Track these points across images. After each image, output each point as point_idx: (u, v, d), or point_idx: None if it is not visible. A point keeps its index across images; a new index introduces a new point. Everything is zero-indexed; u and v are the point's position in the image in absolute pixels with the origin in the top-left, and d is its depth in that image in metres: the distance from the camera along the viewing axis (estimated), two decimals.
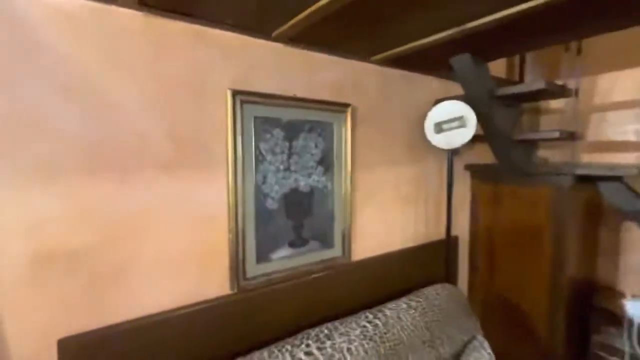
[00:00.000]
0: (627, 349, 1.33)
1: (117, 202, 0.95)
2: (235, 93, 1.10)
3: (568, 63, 1.49)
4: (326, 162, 1.35)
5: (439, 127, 1.54)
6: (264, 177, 1.19)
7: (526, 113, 2.12)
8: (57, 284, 0.88)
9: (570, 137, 1.43)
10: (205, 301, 1.10)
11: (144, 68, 0.96)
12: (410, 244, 1.73)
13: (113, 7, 0.89)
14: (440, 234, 1.81)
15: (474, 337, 1.34)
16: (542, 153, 2.08)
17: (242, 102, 1.12)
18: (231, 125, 1.10)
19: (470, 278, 2.02)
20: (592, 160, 1.93)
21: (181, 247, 1.06)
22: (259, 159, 1.17)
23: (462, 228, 2.00)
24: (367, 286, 1.50)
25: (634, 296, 1.32)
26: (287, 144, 1.24)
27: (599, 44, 1.83)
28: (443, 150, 1.57)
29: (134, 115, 0.96)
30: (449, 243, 1.70)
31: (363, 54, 1.39)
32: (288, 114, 1.23)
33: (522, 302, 1.77)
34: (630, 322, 1.29)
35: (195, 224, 1.08)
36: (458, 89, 1.62)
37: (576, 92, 1.41)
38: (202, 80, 1.06)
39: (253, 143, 1.16)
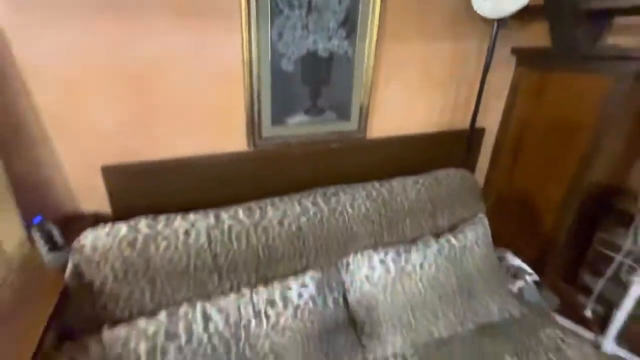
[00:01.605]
0: (627, 245, 1.35)
1: (138, 46, 0.96)
2: None
3: None
4: (349, 25, 1.23)
5: None
6: (280, 34, 1.12)
7: None
8: (94, 118, 0.98)
9: None
10: (224, 154, 1.20)
11: None
12: (433, 129, 1.68)
13: None
14: (467, 123, 1.72)
15: (475, 215, 1.41)
16: (618, 40, 1.73)
17: None
18: None
19: (490, 171, 1.99)
20: None
21: (200, 100, 1.10)
22: (275, 11, 1.09)
23: (493, 120, 1.88)
24: (380, 164, 1.53)
25: None
26: None
27: None
28: (488, 23, 1.35)
29: None
30: (472, 132, 1.63)
31: None
32: None
33: (538, 198, 1.77)
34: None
35: (212, 78, 1.09)
36: None
37: None
38: None
39: None
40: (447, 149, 1.74)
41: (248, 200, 1.18)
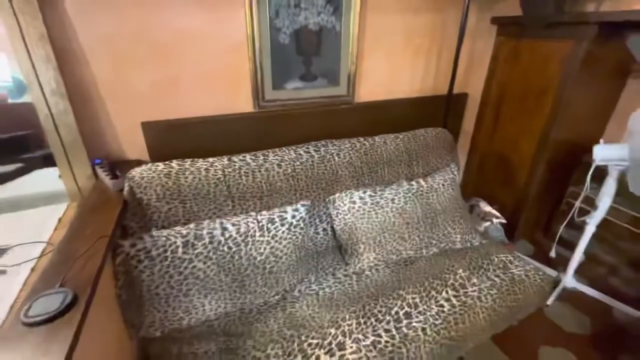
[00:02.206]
0: (584, 191, 1.56)
1: (158, 27, 1.24)
2: None
3: None
4: (335, 1, 1.46)
5: None
6: (277, 12, 1.37)
7: None
8: (134, 82, 1.28)
9: None
10: (234, 114, 1.48)
11: None
12: (416, 94, 1.90)
13: None
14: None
15: (447, 165, 1.65)
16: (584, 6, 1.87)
17: None
18: None
19: (475, 133, 2.20)
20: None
21: (214, 69, 1.38)
22: None
23: (476, 85, 2.07)
24: (367, 125, 1.78)
25: (606, 142, 1.45)
26: None
27: None
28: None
29: None
30: (450, 96, 1.84)
31: None
32: None
33: (513, 154, 1.98)
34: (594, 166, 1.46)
35: (221, 51, 1.36)
36: None
37: None
38: None
39: None
40: (430, 112, 1.95)
41: (255, 149, 1.48)
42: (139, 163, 1.30)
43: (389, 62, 1.74)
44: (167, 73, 1.32)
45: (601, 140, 1.47)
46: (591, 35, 1.49)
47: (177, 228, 1.12)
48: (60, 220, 1.11)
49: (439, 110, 1.92)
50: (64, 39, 1.14)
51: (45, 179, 1.35)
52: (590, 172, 1.49)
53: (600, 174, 1.52)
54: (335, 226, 1.41)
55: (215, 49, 1.35)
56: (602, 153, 1.44)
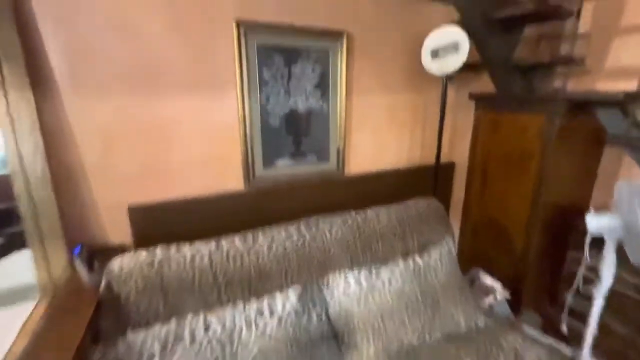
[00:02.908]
0: (583, 261, 1.52)
1: (152, 112, 1.28)
2: (239, 23, 1.31)
3: None
4: (322, 87, 1.55)
5: (434, 53, 1.63)
6: (267, 98, 1.45)
7: (546, 37, 2.04)
8: (119, 169, 1.28)
9: (566, 61, 1.45)
10: (224, 193, 1.47)
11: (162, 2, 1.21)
12: (404, 165, 1.95)
13: None
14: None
15: (442, 238, 1.61)
16: (547, 82, 2.03)
17: (246, 31, 1.34)
18: (237, 52, 1.34)
19: (466, 199, 2.21)
20: (594, 88, 1.88)
21: (205, 151, 1.40)
22: (263, 82, 1.42)
23: (461, 155, 2.14)
24: (357, 197, 1.78)
25: (597, 210, 1.45)
26: (286, 69, 1.45)
27: None
28: (441, 77, 1.67)
29: (158, 43, 1.23)
30: (438, 166, 1.89)
31: None
32: (287, 42, 1.43)
33: (506, 219, 1.97)
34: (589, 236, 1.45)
35: (213, 134, 1.40)
36: None
37: (578, 13, 1.38)
38: (211, 10, 1.28)
39: (257, 68, 1.40)
40: (419, 182, 1.99)
41: (244, 230, 1.44)
42: (122, 249, 1.23)
43: (376, 136, 1.81)
44: (157, 156, 1.33)
45: (591, 209, 1.47)
46: (562, 109, 1.60)
47: (157, 327, 1.01)
48: (24, 324, 1.00)
49: (427, 180, 1.95)
50: (55, 127, 1.15)
51: (18, 266, 1.27)
52: (587, 242, 1.47)
53: (600, 239, 1.49)
54: (330, 311, 1.31)
55: (207, 132, 1.39)
56: (595, 224, 1.43)
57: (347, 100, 1.62)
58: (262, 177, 1.53)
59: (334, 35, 1.51)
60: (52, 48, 1.10)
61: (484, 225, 2.12)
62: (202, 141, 1.39)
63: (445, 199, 2.08)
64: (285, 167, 1.57)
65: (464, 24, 1.53)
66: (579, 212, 1.98)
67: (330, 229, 1.43)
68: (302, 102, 1.53)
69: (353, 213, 1.55)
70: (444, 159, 1.97)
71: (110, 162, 1.26)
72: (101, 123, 1.22)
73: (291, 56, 1.45)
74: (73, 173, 1.21)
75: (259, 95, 1.42)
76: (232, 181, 1.49)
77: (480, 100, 2.02)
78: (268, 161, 1.53)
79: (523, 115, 1.77)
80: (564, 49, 2.06)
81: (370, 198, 1.79)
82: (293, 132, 1.54)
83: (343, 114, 1.62)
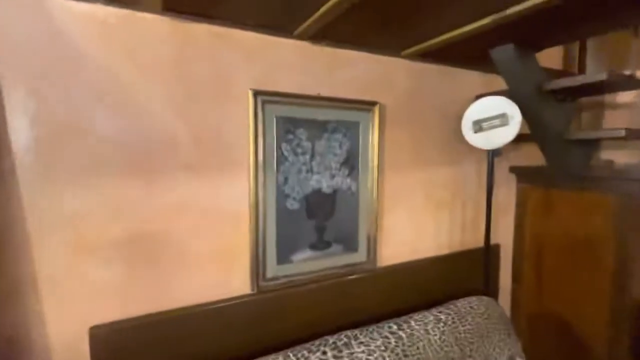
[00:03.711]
0: None
1: (146, 202, 0.99)
2: (257, 93, 1.10)
3: (638, 50, 1.27)
4: (351, 163, 1.30)
5: (478, 126, 1.41)
6: (286, 178, 1.17)
7: (587, 109, 1.87)
8: (88, 278, 0.94)
9: None
10: (225, 300, 1.11)
11: (169, 71, 0.99)
12: (445, 251, 1.61)
13: (139, 13, 0.93)
14: (479, 241, 1.66)
15: (511, 358, 1.21)
16: (606, 155, 1.82)
17: (264, 103, 1.11)
18: (252, 126, 1.10)
19: (514, 291, 1.83)
20: None
21: (204, 246, 1.08)
22: (281, 159, 1.16)
23: (505, 236, 1.83)
24: (394, 294, 1.42)
25: None
26: (309, 144, 1.21)
27: None
28: (483, 151, 1.43)
29: (161, 117, 0.99)
30: (488, 251, 1.55)
31: (392, 49, 1.31)
32: (311, 114, 1.20)
33: (577, 322, 1.57)
34: None
35: (218, 223, 1.09)
36: (503, 84, 1.47)
37: None
38: (225, 81, 1.07)
39: (275, 143, 1.14)
40: (465, 269, 1.63)
41: (251, 351, 1.05)
42: None
43: (412, 218, 1.50)
44: (143, 258, 1.00)
45: None
46: (635, 190, 1.32)
47: None
48: None
49: (473, 267, 1.61)
50: (2, 225, 0.85)
51: None
52: None
53: None
54: None
55: (209, 223, 1.09)
56: None
57: (379, 177, 1.35)
58: (275, 276, 1.18)
59: (365, 106, 1.30)
60: (18, 124, 0.85)
61: (543, 326, 1.71)
62: (201, 234, 1.07)
63: (492, 289, 1.70)
64: (304, 263, 1.23)
65: (513, 93, 1.33)
66: None
67: (368, 356, 1.04)
68: (327, 180, 1.25)
69: (394, 326, 1.17)
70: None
71: (74, 269, 0.92)
72: (73, 217, 0.92)
73: (316, 129, 1.22)
74: (15, 287, 0.87)
75: (275, 174, 1.15)
76: (236, 284, 1.14)
77: (524, 175, 1.77)
78: (283, 255, 1.19)
79: (585, 194, 1.49)
80: (610, 119, 1.88)
81: (406, 293, 1.45)
82: (315, 216, 1.24)
83: (374, 193, 1.34)
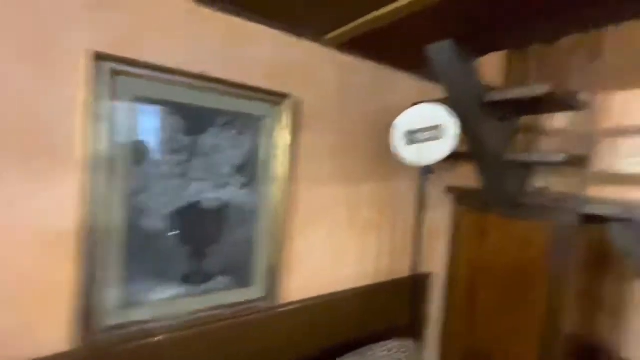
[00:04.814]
0: None
1: None
2: (100, 57, 0.75)
3: (581, 71, 1.17)
4: (249, 170, 0.99)
5: (410, 137, 1.20)
6: (145, 184, 0.83)
7: (523, 132, 1.78)
8: None
9: (580, 163, 1.10)
10: None
11: None
12: (368, 281, 1.37)
13: None
14: (409, 269, 1.45)
15: None
16: (540, 181, 1.74)
17: (115, 73, 0.77)
18: (89, 104, 0.74)
19: (446, 325, 1.65)
20: (599, 195, 1.58)
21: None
22: (138, 157, 0.82)
23: (438, 262, 1.65)
24: (303, 337, 1.14)
25: None
26: (188, 139, 0.88)
27: (618, 49, 1.51)
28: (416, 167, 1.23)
29: None
30: (416, 283, 1.35)
31: (314, 30, 1.04)
32: (193, 98, 0.88)
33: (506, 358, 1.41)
34: None
35: (11, 249, 0.71)
36: (443, 94, 1.28)
37: (588, 104, 1.09)
38: (50, 34, 0.71)
39: (128, 133, 0.80)
40: (390, 302, 1.42)
41: None
42: None
43: (331, 242, 1.23)
44: None
45: None
46: (574, 220, 1.20)
47: None
48: None
49: (400, 299, 1.40)
50: None
51: None
52: None
53: None
54: None
55: (7, 241, 0.70)
56: None
57: (288, 190, 1.07)
58: (118, 325, 0.82)
59: (273, 97, 1.01)
60: None
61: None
62: None
63: (419, 321, 1.51)
64: (170, 303, 0.89)
65: (451, 103, 1.14)
66: (591, 350, 1.52)
67: None
68: (213, 191, 0.93)
69: None
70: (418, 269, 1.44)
71: None
72: None
73: (199, 121, 0.90)
74: None
75: (126, 178, 0.80)
76: (50, 335, 0.76)
77: (461, 196, 1.61)
78: (135, 294, 0.84)
79: (521, 223, 1.35)
80: (548, 144, 1.81)
81: (322, 334, 1.19)
82: (191, 240, 0.91)
83: (281, 210, 1.05)
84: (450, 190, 1.60)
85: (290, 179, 1.07)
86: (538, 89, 0.98)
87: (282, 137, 1.03)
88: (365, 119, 1.28)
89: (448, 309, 1.62)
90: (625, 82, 1.48)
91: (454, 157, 1.17)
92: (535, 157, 1.15)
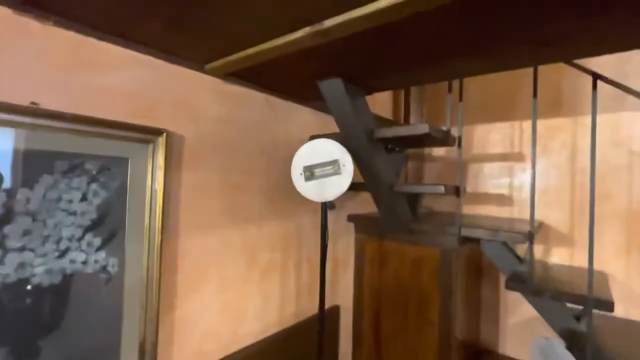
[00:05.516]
0: None
1: None
2: None
3: (452, 107, 1.34)
4: (108, 226, 0.77)
5: (309, 172, 1.14)
6: None
7: (412, 159, 1.97)
8: None
9: (455, 192, 1.22)
10: None
11: None
12: (273, 330, 1.24)
13: None
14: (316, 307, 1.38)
15: None
16: (426, 201, 1.92)
17: None
18: None
19: (355, 357, 1.62)
20: (471, 212, 1.83)
21: None
22: None
23: (345, 294, 1.63)
24: None
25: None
26: (15, 190, 0.63)
27: (475, 91, 1.81)
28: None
29: None
30: (323, 321, 1.27)
31: (191, 57, 0.91)
32: (17, 139, 0.64)
33: None
34: None
35: None
36: None
37: (459, 141, 1.24)
38: None
39: None
40: (298, 345, 1.31)
41: None
42: None
43: (225, 298, 1.07)
44: None
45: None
46: (455, 243, 1.32)
47: None
48: None
49: (309, 339, 1.31)
50: None
51: None
52: None
53: None
54: None
55: None
56: None
57: (163, 245, 0.87)
58: None
59: (142, 135, 0.82)
60: None
61: None
62: None
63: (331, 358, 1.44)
64: None
65: (345, 138, 1.14)
66: (476, 351, 1.70)
67: None
68: (50, 261, 0.68)
69: None
70: (326, 303, 1.38)
71: None
72: None
73: (28, 167, 0.65)
74: None
75: None
76: None
77: (361, 223, 1.64)
78: None
79: (412, 247, 1.43)
80: (429, 170, 2.03)
81: None
82: (10, 333, 0.64)
83: (155, 271, 0.85)
84: (352, 219, 1.62)
85: (166, 230, 0.88)
86: (419, 129, 1.05)
87: (155, 180, 0.85)
88: (261, 152, 1.18)
89: (355, 340, 1.61)
90: (486, 116, 1.78)
91: (353, 188, 1.17)
92: (420, 189, 1.23)
